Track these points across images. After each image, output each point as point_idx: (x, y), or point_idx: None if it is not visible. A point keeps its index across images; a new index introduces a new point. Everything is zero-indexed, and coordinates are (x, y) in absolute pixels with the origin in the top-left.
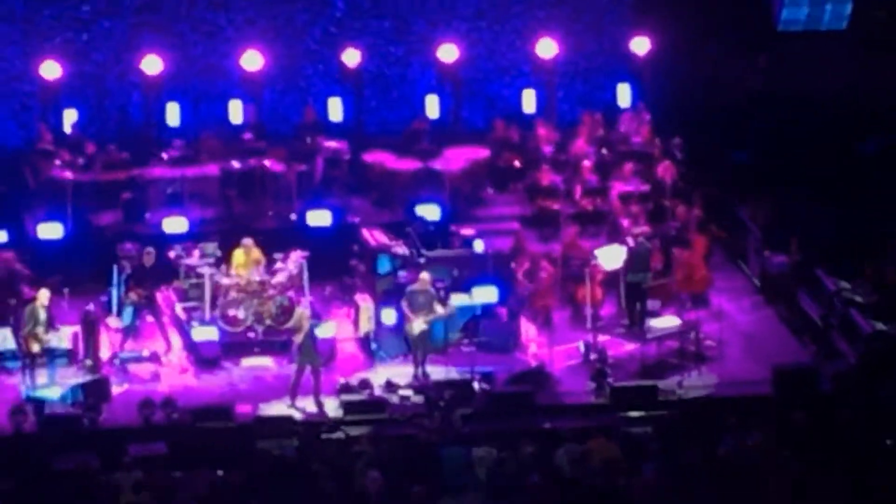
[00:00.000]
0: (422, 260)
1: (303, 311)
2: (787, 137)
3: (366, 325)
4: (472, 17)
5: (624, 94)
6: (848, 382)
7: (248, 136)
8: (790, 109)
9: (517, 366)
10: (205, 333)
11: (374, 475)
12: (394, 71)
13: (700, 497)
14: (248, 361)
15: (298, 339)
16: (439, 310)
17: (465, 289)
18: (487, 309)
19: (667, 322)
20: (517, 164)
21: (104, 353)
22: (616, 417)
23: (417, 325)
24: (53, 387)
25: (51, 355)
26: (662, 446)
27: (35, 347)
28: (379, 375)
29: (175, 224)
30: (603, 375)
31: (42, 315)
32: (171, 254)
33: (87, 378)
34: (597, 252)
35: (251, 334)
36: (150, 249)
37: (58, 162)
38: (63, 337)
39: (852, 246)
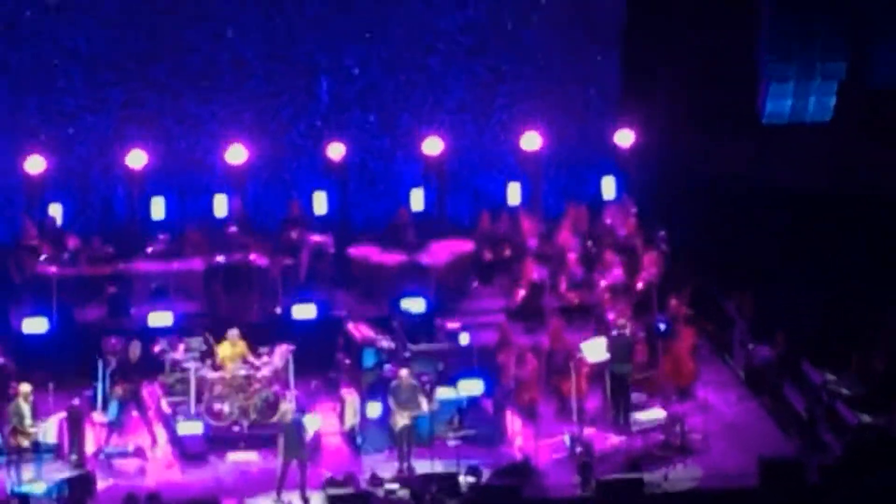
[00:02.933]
0: (407, 354)
1: (288, 405)
2: (772, 228)
3: (351, 419)
4: (457, 111)
5: (609, 187)
6: (834, 474)
7: (232, 229)
8: (775, 199)
9: (503, 459)
10: (190, 428)
11: None
12: (378, 164)
13: None
14: (234, 456)
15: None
16: (424, 404)
17: (451, 382)
18: (473, 402)
19: (652, 414)
20: (507, 252)
21: (89, 448)
22: None
23: (402, 419)
24: (39, 482)
25: (37, 450)
26: None
27: (22, 442)
28: (364, 469)
29: (160, 318)
30: (588, 468)
31: (26, 409)
32: (156, 348)
33: (73, 473)
34: (582, 345)
35: (236, 428)
36: (136, 343)
37: (42, 257)
38: (48, 431)
39: (838, 337)
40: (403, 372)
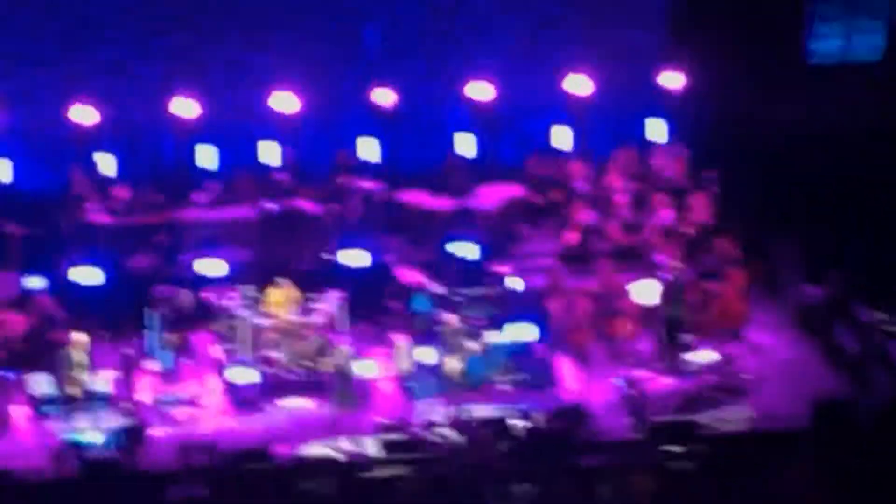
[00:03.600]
0: (458, 298)
1: (340, 351)
2: (822, 171)
3: (403, 365)
4: (506, 55)
5: (658, 129)
6: (887, 416)
7: (282, 177)
8: (826, 144)
9: (554, 403)
10: (243, 375)
11: None
12: (428, 110)
13: None
14: (287, 402)
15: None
16: (474, 348)
17: (502, 326)
18: (524, 346)
19: (704, 356)
20: (556, 196)
21: (143, 397)
22: (655, 453)
23: (452, 363)
24: (93, 431)
25: (91, 399)
26: (702, 481)
27: (75, 391)
28: (417, 414)
29: (210, 266)
30: (641, 411)
31: (80, 359)
32: (208, 296)
33: (126, 422)
34: (632, 287)
35: (289, 375)
36: (187, 292)
37: (92, 206)
38: (103, 381)
39: (889, 277)
40: (451, 317)
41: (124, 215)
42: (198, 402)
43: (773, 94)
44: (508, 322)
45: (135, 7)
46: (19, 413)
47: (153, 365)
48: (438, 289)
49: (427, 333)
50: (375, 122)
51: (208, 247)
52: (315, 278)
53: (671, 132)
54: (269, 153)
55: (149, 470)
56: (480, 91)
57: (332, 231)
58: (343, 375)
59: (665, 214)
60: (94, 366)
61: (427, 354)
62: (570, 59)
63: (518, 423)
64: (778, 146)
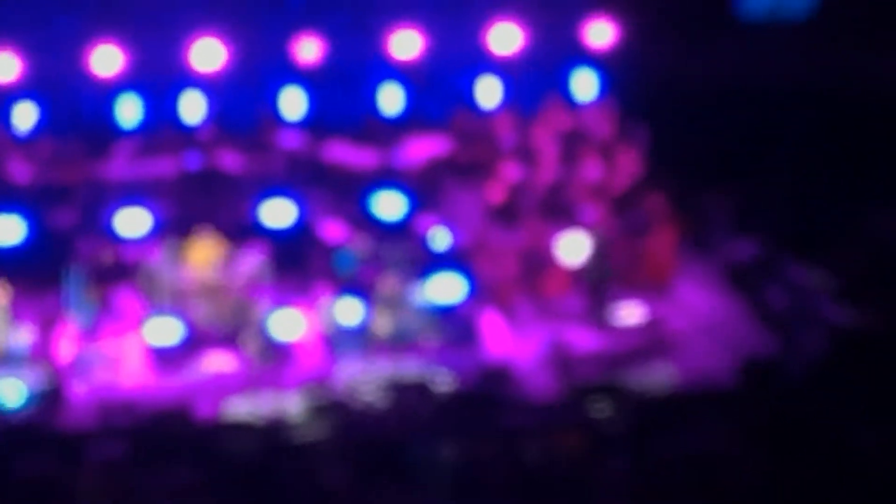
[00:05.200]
0: (382, 255)
1: (262, 307)
2: (751, 126)
3: (326, 322)
4: (432, 8)
5: (587, 85)
6: (816, 373)
7: (204, 132)
8: (756, 100)
9: (480, 361)
10: (164, 332)
11: (337, 474)
12: (352, 62)
13: (668, 489)
14: (209, 360)
15: (257, 336)
16: (398, 305)
17: (427, 284)
18: (449, 304)
19: (631, 314)
20: (483, 152)
21: (63, 355)
22: (581, 412)
23: (377, 321)
24: (11, 390)
25: (9, 358)
26: (629, 440)
27: None
28: (340, 373)
29: (132, 222)
30: (567, 369)
31: (0, 315)
32: (129, 252)
33: (46, 380)
34: (559, 243)
35: (211, 332)
36: (108, 247)
37: (11, 162)
38: (22, 338)
39: (819, 234)
40: (375, 274)
41: (44, 169)
42: (118, 361)
43: (704, 50)
44: (434, 279)
45: None
46: None
47: (73, 322)
48: (363, 245)
49: (351, 290)
50: (299, 75)
51: (130, 201)
52: (237, 234)
53: (600, 87)
54: (192, 107)
55: (67, 429)
56: (406, 44)
57: (255, 187)
58: (265, 333)
59: (593, 170)
60: (13, 322)
61: (351, 312)
62: (498, 12)
63: (443, 383)
64: (708, 102)
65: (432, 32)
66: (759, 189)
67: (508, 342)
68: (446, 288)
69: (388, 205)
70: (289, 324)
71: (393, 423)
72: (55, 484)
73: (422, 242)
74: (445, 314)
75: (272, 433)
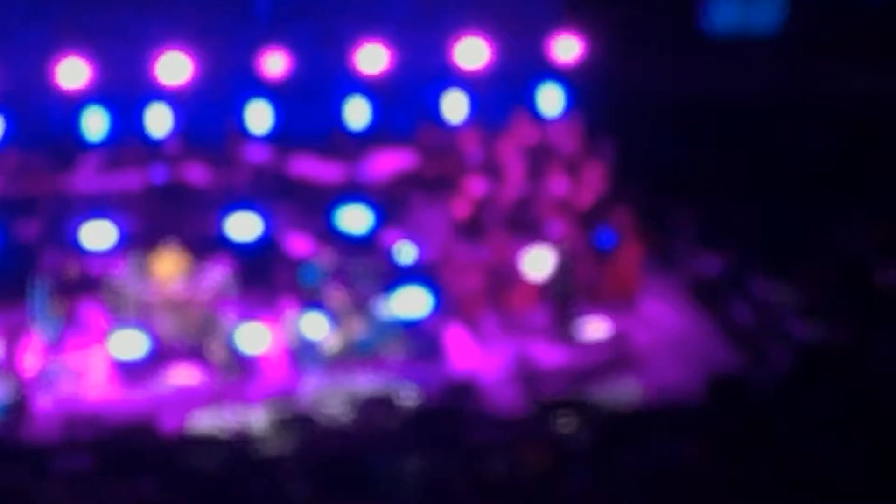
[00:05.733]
0: (348, 269)
1: (228, 321)
2: (718, 140)
3: (291, 336)
4: (399, 21)
5: (553, 99)
6: (781, 389)
7: (170, 145)
8: (723, 115)
9: (445, 376)
10: (129, 346)
11: (302, 487)
12: (318, 76)
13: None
14: (174, 374)
15: (222, 350)
16: (363, 319)
17: (392, 298)
18: (414, 318)
19: (596, 329)
20: (449, 166)
21: (28, 367)
22: (546, 427)
23: (337, 338)
24: None
25: None
26: (594, 454)
27: None
28: (305, 387)
29: (98, 235)
30: (532, 384)
31: None
32: (94, 265)
33: (11, 393)
34: (525, 258)
35: (176, 346)
36: (73, 261)
37: None
38: None
39: (785, 249)
40: (340, 288)
41: (10, 181)
42: (83, 373)
43: (671, 64)
44: (399, 293)
45: None
46: None
47: (38, 334)
48: (328, 259)
49: (316, 304)
50: (265, 88)
51: (95, 214)
52: (203, 247)
53: (566, 101)
54: (157, 120)
55: (32, 442)
56: (372, 57)
57: (221, 200)
58: (230, 346)
59: (559, 184)
60: None
61: (315, 326)
62: (464, 26)
63: (407, 397)
64: (674, 117)
65: (398, 46)
66: (725, 204)
67: (474, 356)
68: (412, 302)
69: (354, 218)
70: (254, 337)
71: (357, 438)
72: (20, 496)
73: (387, 256)
74: (410, 328)
75: (237, 446)
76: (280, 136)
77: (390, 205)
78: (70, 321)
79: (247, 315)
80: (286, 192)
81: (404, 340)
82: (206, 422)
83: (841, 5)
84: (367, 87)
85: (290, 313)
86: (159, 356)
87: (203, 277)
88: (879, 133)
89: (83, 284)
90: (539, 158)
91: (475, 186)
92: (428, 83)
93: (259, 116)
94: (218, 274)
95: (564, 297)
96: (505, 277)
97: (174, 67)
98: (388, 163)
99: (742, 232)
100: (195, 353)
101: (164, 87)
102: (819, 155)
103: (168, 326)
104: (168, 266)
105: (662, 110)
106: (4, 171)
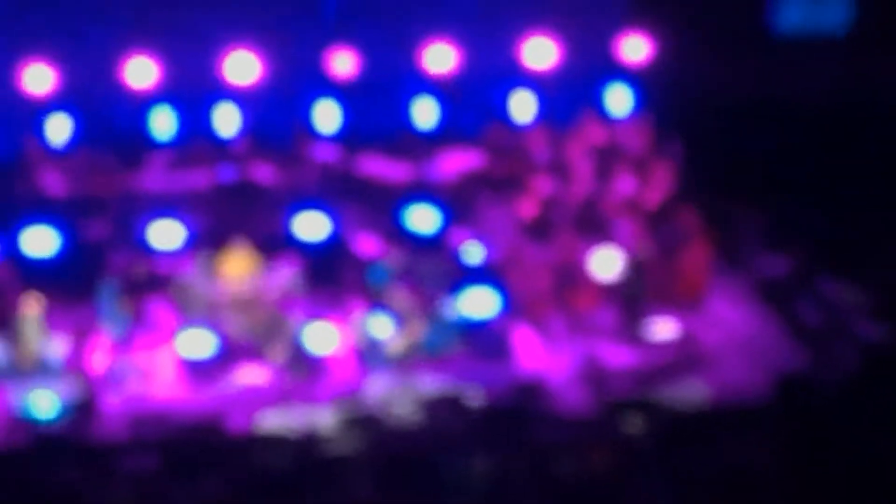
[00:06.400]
0: (415, 269)
1: (295, 321)
2: (785, 143)
3: (358, 336)
4: (466, 22)
5: (622, 98)
6: (848, 390)
7: (238, 145)
8: (790, 116)
9: (513, 376)
10: (197, 345)
11: (368, 488)
12: (386, 77)
13: None
14: (241, 373)
15: (289, 349)
16: (430, 320)
17: (460, 297)
18: (483, 319)
19: (664, 329)
20: (517, 166)
21: (96, 367)
22: (614, 427)
23: (409, 335)
24: (45, 401)
25: (44, 368)
26: (662, 456)
27: (27, 361)
28: (372, 387)
29: (166, 234)
30: (599, 385)
31: (34, 327)
32: (162, 264)
33: (79, 393)
34: (592, 259)
35: (243, 345)
36: (142, 259)
37: (46, 174)
38: (56, 350)
39: (853, 250)
40: (408, 288)
41: (78, 181)
42: (150, 373)
43: (738, 65)
44: (467, 293)
45: None
46: None
47: (106, 333)
48: (395, 259)
49: (383, 304)
50: (333, 87)
51: (163, 214)
52: (270, 247)
53: (634, 101)
54: (226, 119)
55: (100, 441)
56: (440, 57)
57: (289, 199)
58: (297, 346)
59: (626, 185)
60: (47, 335)
61: (382, 326)
62: (532, 27)
63: (475, 397)
64: (741, 117)
65: (466, 46)
66: (793, 204)
67: (541, 357)
68: (479, 302)
69: (422, 218)
70: (321, 337)
71: (424, 438)
72: (87, 496)
73: (454, 256)
74: (478, 328)
75: (304, 446)
76: (348, 136)
77: (458, 205)
78: (138, 320)
79: (314, 315)
80: (354, 191)
81: (471, 341)
82: (273, 422)
83: None
84: (434, 87)
85: (357, 313)
86: (227, 355)
87: (271, 277)
88: None
89: (151, 284)
90: (607, 158)
91: (543, 186)
92: (495, 83)
93: (327, 116)
94: (285, 273)
95: (632, 298)
96: (572, 278)
97: (242, 66)
98: (455, 162)
99: (809, 232)
100: (262, 353)
101: (232, 85)
102: (887, 155)
103: (236, 326)
104: (236, 265)
105: (730, 110)
106: (72, 171)
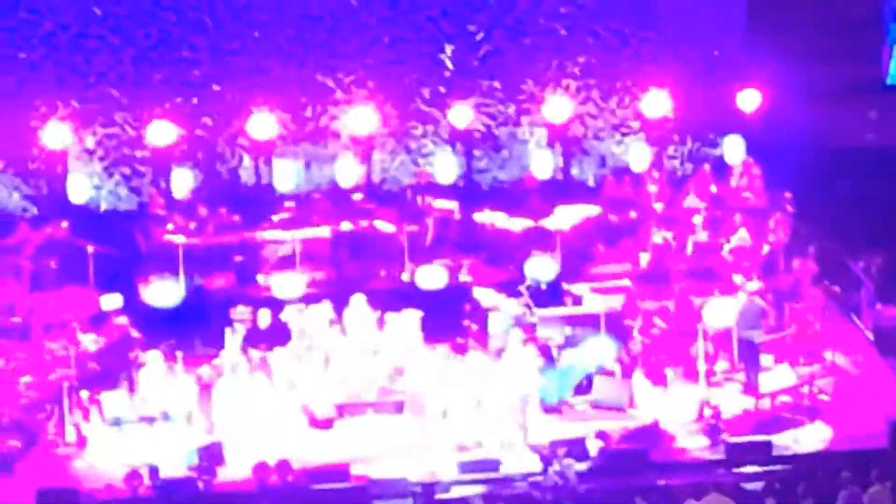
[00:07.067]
0: (535, 318)
1: (416, 371)
2: None
3: (477, 385)
4: (581, 75)
5: (734, 149)
6: None
7: (358, 196)
8: None
9: (631, 423)
10: (319, 395)
11: None
12: (503, 129)
13: None
14: (362, 422)
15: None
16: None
17: (578, 347)
18: (600, 366)
19: (780, 377)
20: (632, 216)
21: (219, 417)
22: (731, 473)
23: (529, 384)
24: (169, 451)
25: (167, 419)
26: (778, 501)
27: (151, 411)
28: (493, 434)
29: (287, 286)
30: (717, 431)
31: (157, 378)
32: (284, 316)
33: (203, 442)
34: (709, 307)
35: (365, 394)
36: (264, 311)
37: (169, 226)
38: (179, 401)
39: None
40: (529, 337)
41: (201, 234)
42: (274, 422)
43: (851, 113)
44: (586, 341)
45: (212, 26)
46: (95, 432)
47: (230, 385)
48: (515, 309)
49: (503, 353)
50: (451, 141)
51: (284, 266)
52: (391, 298)
53: (748, 151)
54: (346, 172)
55: (224, 490)
56: (556, 111)
57: (408, 251)
58: (419, 396)
59: (742, 234)
60: (169, 386)
61: (502, 374)
62: (645, 78)
63: (594, 444)
64: (854, 165)
65: (581, 100)
66: None
67: (659, 404)
68: (598, 350)
69: (540, 268)
70: (442, 387)
71: (545, 485)
72: None
73: (572, 305)
74: (596, 376)
75: (426, 495)
76: (466, 188)
77: (575, 255)
78: (261, 371)
79: (435, 364)
80: (473, 242)
81: (591, 388)
82: (395, 470)
83: None
84: (549, 140)
85: (477, 363)
86: (348, 405)
87: (391, 327)
88: None
89: (273, 335)
90: (721, 208)
91: (658, 235)
92: (610, 135)
93: (446, 168)
94: (406, 323)
95: (749, 346)
96: (689, 326)
97: (361, 122)
98: (572, 213)
99: None
100: (384, 403)
101: (352, 140)
102: None
103: (357, 375)
104: (357, 316)
105: (843, 159)
106: (196, 223)
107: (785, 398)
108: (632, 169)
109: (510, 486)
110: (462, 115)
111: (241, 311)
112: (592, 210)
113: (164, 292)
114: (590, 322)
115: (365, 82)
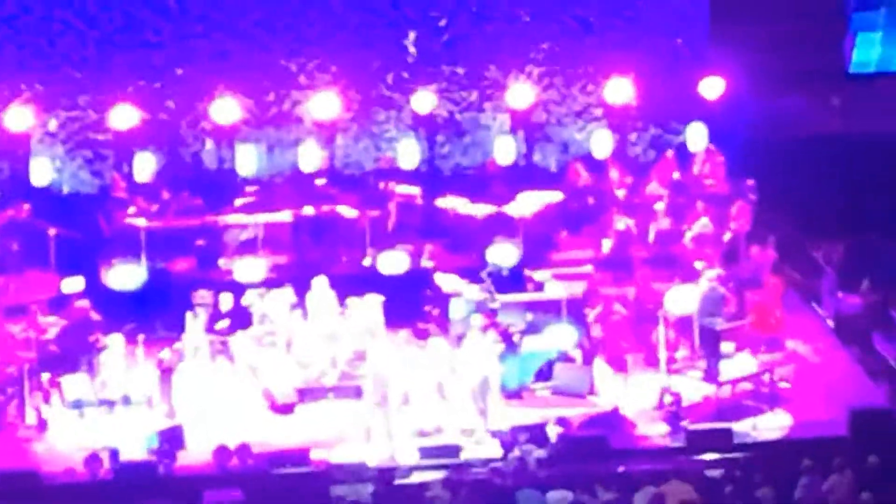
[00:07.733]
0: (496, 304)
1: (377, 355)
2: (859, 178)
3: (439, 370)
4: (544, 61)
5: (697, 137)
6: None
7: (320, 181)
8: (863, 150)
9: (592, 409)
10: (280, 379)
11: None
12: (466, 115)
13: None
14: (323, 406)
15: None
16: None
17: (539, 333)
18: (561, 353)
19: (741, 365)
20: (595, 203)
21: (180, 401)
22: (691, 460)
23: (489, 370)
24: (129, 435)
25: (127, 402)
26: (737, 489)
27: (111, 394)
28: (453, 419)
29: (249, 270)
30: (678, 418)
31: (117, 362)
32: (246, 300)
33: (163, 425)
34: (670, 294)
35: (325, 379)
36: (225, 295)
37: (131, 209)
38: (139, 384)
39: None
40: (489, 323)
41: (164, 218)
42: (235, 406)
43: (813, 102)
44: (546, 328)
45: (175, 11)
46: (55, 415)
47: (191, 369)
48: (476, 294)
49: (464, 339)
50: (414, 127)
51: (246, 250)
52: (352, 283)
53: (711, 140)
54: (309, 157)
55: (184, 474)
56: (519, 97)
57: (370, 236)
58: (379, 380)
59: (704, 222)
60: (130, 369)
61: (463, 360)
62: (609, 65)
63: (554, 430)
64: (816, 153)
65: (544, 86)
66: (868, 241)
67: (620, 390)
68: (560, 336)
69: (502, 254)
70: (402, 372)
71: (504, 470)
72: None
73: (534, 291)
74: (556, 363)
75: (385, 480)
76: (429, 173)
77: (536, 241)
78: (222, 355)
79: (395, 349)
80: (435, 228)
81: (551, 374)
82: (355, 454)
83: None
84: (512, 126)
85: (438, 348)
86: (309, 389)
87: (353, 312)
88: None
89: (235, 319)
90: (684, 196)
91: (620, 222)
92: (573, 122)
93: (408, 154)
94: (368, 308)
95: (710, 333)
96: (650, 313)
97: (324, 107)
98: (534, 199)
99: (885, 268)
100: (345, 387)
101: (314, 125)
102: None
103: (318, 360)
104: (318, 301)
105: (806, 146)
106: (158, 207)
107: (745, 385)
108: (594, 156)
109: (470, 472)
110: (425, 100)
111: (202, 295)
112: (555, 196)
113: (125, 275)
114: (551, 308)
115: (328, 67)
